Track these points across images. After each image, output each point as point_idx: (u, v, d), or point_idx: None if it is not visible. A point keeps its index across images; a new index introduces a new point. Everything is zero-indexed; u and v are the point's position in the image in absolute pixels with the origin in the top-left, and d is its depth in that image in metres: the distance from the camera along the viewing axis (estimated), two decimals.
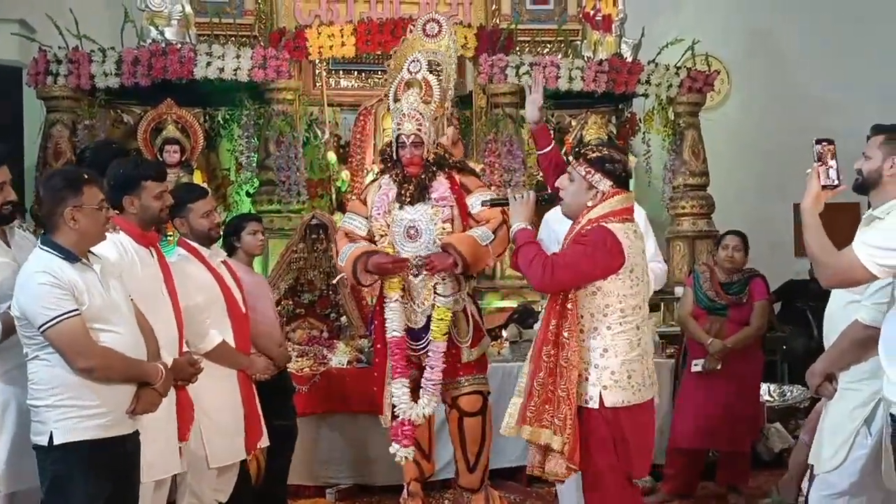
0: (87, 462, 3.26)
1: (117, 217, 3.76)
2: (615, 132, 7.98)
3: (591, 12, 7.85)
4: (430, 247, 4.57)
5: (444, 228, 4.58)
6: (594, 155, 3.66)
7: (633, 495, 3.77)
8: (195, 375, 3.86)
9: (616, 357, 3.55)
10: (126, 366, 3.33)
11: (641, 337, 3.65)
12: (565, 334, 3.54)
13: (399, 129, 4.65)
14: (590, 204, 3.62)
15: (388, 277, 4.59)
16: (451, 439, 4.84)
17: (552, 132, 7.52)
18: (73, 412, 3.25)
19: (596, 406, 3.54)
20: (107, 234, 3.57)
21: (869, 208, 3.38)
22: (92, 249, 3.42)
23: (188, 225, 4.25)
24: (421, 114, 4.61)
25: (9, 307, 3.46)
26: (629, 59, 7.76)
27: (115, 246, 3.68)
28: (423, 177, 4.61)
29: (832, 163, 3.10)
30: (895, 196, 3.28)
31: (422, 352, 4.59)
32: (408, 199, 4.60)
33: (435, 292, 4.57)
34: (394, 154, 4.69)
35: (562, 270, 3.53)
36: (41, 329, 3.19)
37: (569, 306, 3.56)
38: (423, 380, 4.57)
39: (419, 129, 4.59)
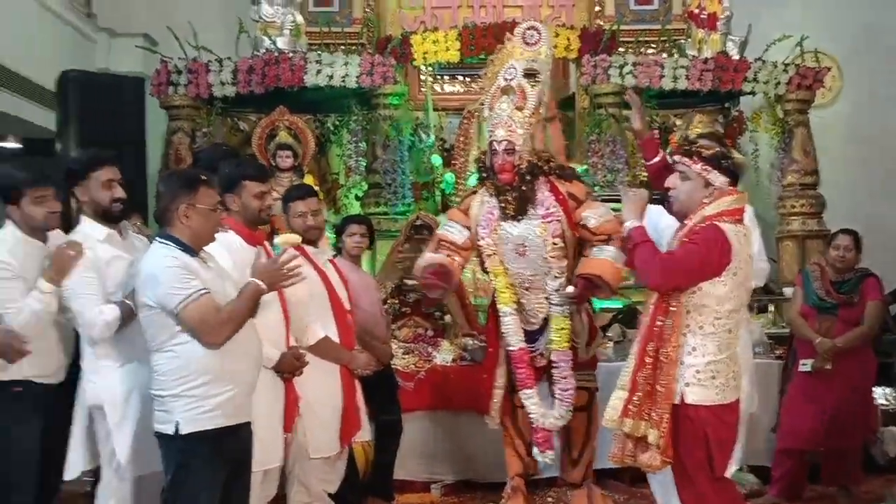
0: (210, 450, 3.34)
1: (226, 217, 3.84)
2: (722, 131, 7.75)
3: (696, 11, 7.67)
4: (540, 263, 4.49)
5: (554, 244, 4.47)
6: (709, 152, 3.61)
7: (726, 489, 3.70)
8: (300, 368, 3.90)
9: (703, 357, 3.52)
10: (238, 304, 3.36)
11: (732, 341, 3.60)
12: (668, 331, 3.51)
13: (491, 136, 4.59)
14: (705, 201, 3.57)
15: (499, 290, 4.54)
16: (556, 434, 4.76)
17: (657, 134, 7.44)
18: (197, 402, 3.33)
19: (678, 402, 3.50)
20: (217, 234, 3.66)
21: None
22: (205, 250, 3.50)
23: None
24: (513, 120, 4.52)
25: (123, 297, 3.59)
26: (735, 57, 7.55)
27: (226, 245, 3.75)
28: (522, 188, 4.50)
29: None
30: None
31: (537, 353, 4.54)
32: (512, 214, 4.50)
33: (549, 302, 4.50)
34: (489, 162, 4.63)
35: (678, 270, 3.51)
36: (177, 309, 3.25)
37: (673, 303, 3.52)
38: (556, 390, 4.53)
39: (510, 136, 4.50)
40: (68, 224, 4.19)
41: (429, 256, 4.63)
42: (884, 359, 6.73)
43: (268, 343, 3.79)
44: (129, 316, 3.65)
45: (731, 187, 3.60)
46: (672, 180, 3.66)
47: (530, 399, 4.51)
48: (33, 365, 3.89)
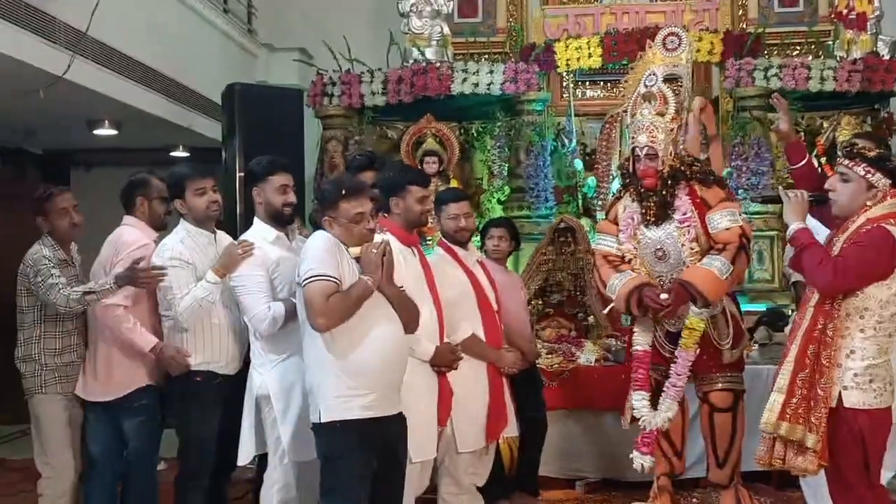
0: (352, 440, 3.40)
1: (384, 219, 3.95)
2: (870, 132, 7.41)
3: (845, 11, 7.37)
4: (680, 266, 4.41)
5: (691, 248, 4.39)
6: (873, 154, 3.57)
7: (882, 496, 3.57)
8: (455, 362, 3.96)
9: (862, 360, 3.44)
10: (343, 299, 3.40)
11: (892, 345, 3.49)
12: (829, 333, 3.44)
13: (634, 142, 4.53)
14: (869, 204, 3.50)
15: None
16: (702, 434, 4.69)
17: (803, 137, 7.19)
18: (336, 392, 3.41)
19: (835, 405, 3.42)
20: (376, 234, 3.77)
21: None
22: None
23: (403, 206, 4.16)
24: (655, 126, 4.43)
25: (291, 295, 3.73)
26: (886, 57, 7.23)
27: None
28: (663, 193, 4.42)
29: None
30: None
31: (672, 355, 4.48)
32: (652, 220, 4.44)
33: (689, 306, 4.41)
34: (631, 168, 4.58)
35: (850, 273, 3.43)
36: (302, 281, 3.40)
37: (836, 306, 3.45)
38: (666, 384, 4.46)
39: (653, 142, 4.41)
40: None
41: (622, 280, 4.49)
42: None
43: (424, 338, 3.87)
44: (292, 313, 3.77)
45: (895, 189, 3.50)
46: (832, 182, 3.57)
47: (641, 401, 4.45)
48: (211, 357, 4.10)
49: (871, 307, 3.42)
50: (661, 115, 4.46)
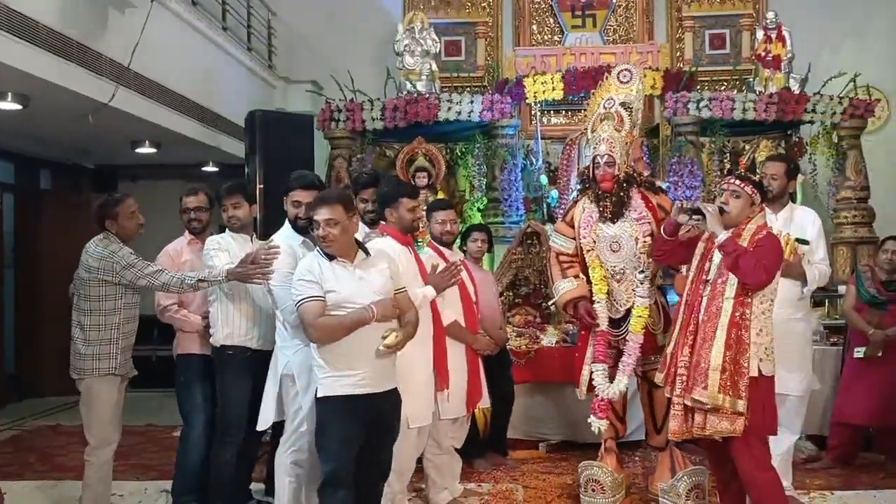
0: (339, 413, 3.36)
1: (383, 225, 3.99)
2: (784, 154, 7.49)
3: (763, 54, 7.44)
4: (631, 258, 4.41)
5: (646, 242, 4.37)
6: (755, 177, 3.83)
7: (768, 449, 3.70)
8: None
9: (767, 336, 3.57)
10: (339, 323, 3.33)
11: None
12: (747, 318, 3.55)
13: (595, 151, 4.54)
14: (751, 216, 3.68)
15: (595, 282, 4.47)
16: (641, 406, 4.72)
17: (728, 158, 7.25)
18: (329, 372, 3.38)
19: (755, 374, 3.52)
20: (374, 237, 3.78)
21: None
22: (370, 250, 3.57)
23: (397, 215, 4.16)
24: (613, 139, 4.46)
25: None
26: (797, 92, 7.29)
27: (387, 245, 3.89)
28: (620, 194, 4.42)
29: None
30: None
31: (620, 337, 4.49)
32: (609, 216, 4.43)
33: (635, 294, 4.45)
34: (591, 174, 4.58)
35: (771, 270, 3.56)
36: (296, 305, 3.38)
37: (748, 295, 3.56)
38: (620, 363, 4.45)
39: (611, 150, 4.43)
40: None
41: (566, 288, 4.53)
42: None
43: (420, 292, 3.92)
44: None
45: (762, 205, 3.75)
46: (727, 198, 3.69)
47: (600, 372, 4.43)
48: (241, 335, 4.12)
49: (767, 294, 3.58)
50: (618, 131, 4.50)
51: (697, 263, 3.77)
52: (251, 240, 4.28)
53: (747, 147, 7.57)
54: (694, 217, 3.77)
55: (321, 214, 3.39)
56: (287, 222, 4.05)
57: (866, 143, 7.56)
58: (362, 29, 8.93)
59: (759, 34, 7.56)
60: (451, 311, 4.27)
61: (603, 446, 4.73)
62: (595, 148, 4.51)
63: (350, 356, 3.37)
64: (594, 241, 4.47)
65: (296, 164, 6.86)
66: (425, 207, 4.74)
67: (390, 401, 3.52)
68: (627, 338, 4.43)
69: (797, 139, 7.64)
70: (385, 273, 3.53)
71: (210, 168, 9.00)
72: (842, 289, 6.15)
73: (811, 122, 7.39)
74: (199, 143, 7.67)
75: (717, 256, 3.66)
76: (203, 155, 8.48)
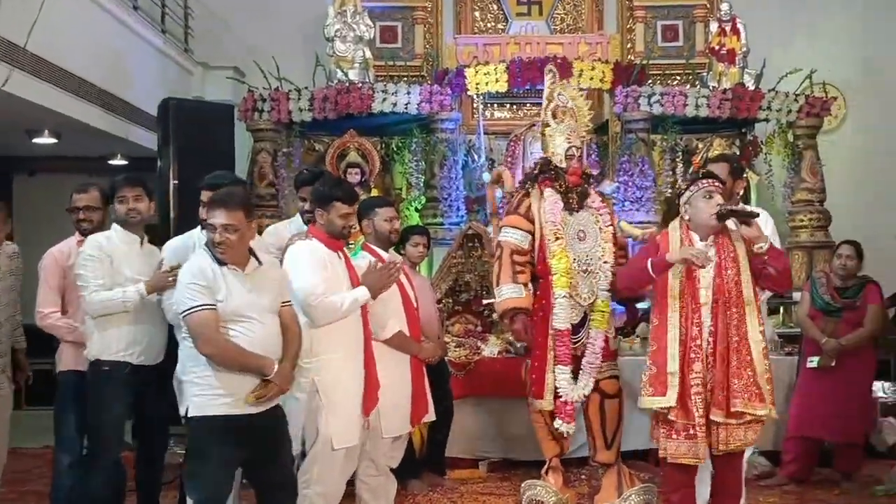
0: (215, 434, 3.30)
1: (312, 227, 3.94)
2: (738, 153, 7.70)
3: (717, 47, 7.65)
4: (596, 246, 4.59)
5: (609, 231, 4.63)
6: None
7: None
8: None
9: None
10: (239, 358, 3.31)
11: None
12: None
13: (570, 142, 4.66)
14: None
15: (559, 275, 4.51)
16: (589, 420, 4.70)
17: (681, 157, 7.44)
18: (204, 390, 3.31)
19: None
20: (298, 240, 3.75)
21: None
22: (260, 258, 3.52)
23: (373, 227, 4.32)
24: (579, 134, 4.73)
25: None
26: (751, 88, 7.51)
27: (310, 248, 3.85)
28: (584, 186, 4.67)
29: None
30: None
31: (578, 343, 4.56)
32: (575, 208, 4.61)
33: (599, 288, 4.56)
34: (564, 165, 4.65)
35: None
36: (182, 315, 3.31)
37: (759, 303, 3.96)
38: (583, 363, 4.52)
39: (580, 146, 4.70)
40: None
41: (509, 295, 4.59)
42: (884, 357, 6.66)
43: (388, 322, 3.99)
44: None
45: None
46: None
47: (564, 374, 4.48)
48: (120, 348, 3.98)
49: None
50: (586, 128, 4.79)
51: (682, 285, 3.85)
52: (141, 242, 4.14)
53: (700, 145, 7.75)
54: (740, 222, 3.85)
55: (218, 218, 3.33)
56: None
57: (822, 142, 7.81)
58: (289, 11, 8.83)
59: (713, 26, 7.76)
60: (395, 321, 4.23)
61: (547, 464, 4.78)
62: (569, 139, 4.67)
63: (231, 374, 3.32)
64: (561, 230, 4.57)
65: (214, 158, 6.79)
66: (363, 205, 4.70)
67: (273, 419, 3.47)
68: (590, 335, 4.54)
69: (752, 138, 7.86)
70: (276, 285, 3.52)
71: (118, 161, 8.80)
72: (797, 295, 6.34)
73: (766, 121, 7.62)
74: (105, 134, 7.48)
75: (705, 275, 3.80)
76: (110, 147, 8.28)
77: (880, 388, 6.27)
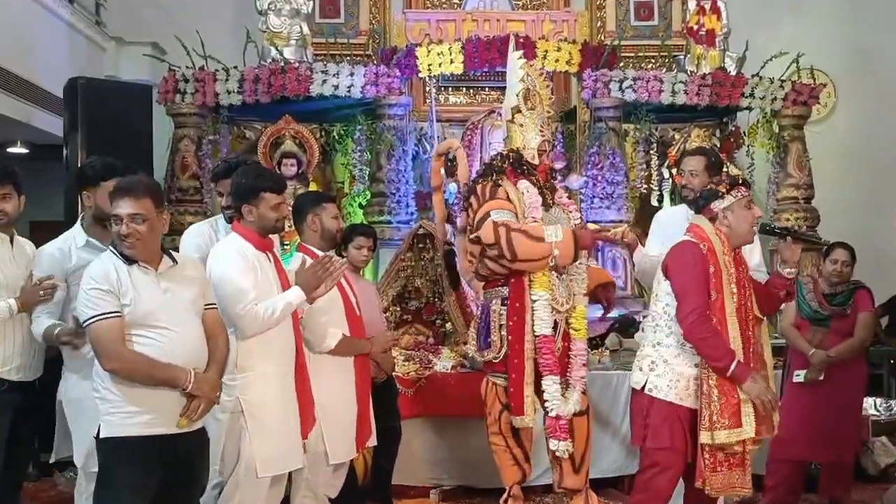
0: (129, 457, 3.28)
1: (237, 224, 3.88)
2: (719, 145, 7.80)
3: (695, 27, 7.72)
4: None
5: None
6: None
7: None
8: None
9: None
10: (150, 371, 3.27)
11: None
12: None
13: (543, 136, 4.71)
14: None
15: (538, 276, 4.53)
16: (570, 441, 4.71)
17: (656, 149, 7.52)
18: (118, 408, 3.29)
19: None
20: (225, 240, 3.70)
21: None
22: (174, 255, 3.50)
23: (320, 224, 4.29)
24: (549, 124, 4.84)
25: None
26: (733, 73, 7.61)
27: (237, 249, 3.80)
28: (551, 182, 4.76)
29: None
30: None
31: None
32: (550, 203, 4.70)
33: (574, 293, 4.59)
34: (536, 160, 4.70)
35: None
36: (84, 325, 3.29)
37: None
38: (572, 377, 4.57)
39: (550, 139, 4.81)
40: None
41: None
42: (875, 370, 6.80)
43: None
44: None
45: None
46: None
47: (553, 385, 4.49)
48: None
49: None
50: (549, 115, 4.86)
51: (735, 294, 3.92)
52: (11, 242, 4.06)
53: (677, 136, 7.81)
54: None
55: (124, 208, 3.30)
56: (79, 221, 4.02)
57: (811, 134, 7.96)
58: None
59: (692, 4, 7.84)
60: (336, 328, 4.22)
61: (507, 493, 4.78)
62: (542, 132, 4.74)
63: (147, 389, 3.29)
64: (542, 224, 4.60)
65: (130, 146, 6.72)
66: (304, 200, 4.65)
67: (195, 443, 3.46)
68: (571, 347, 4.59)
69: (733, 128, 7.97)
70: (197, 285, 3.49)
71: (17, 149, 8.69)
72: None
73: (749, 109, 7.73)
74: (2, 118, 7.36)
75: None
76: (9, 133, 8.18)
77: (871, 405, 6.38)
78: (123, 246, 3.32)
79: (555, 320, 4.57)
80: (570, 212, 4.73)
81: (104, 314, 3.23)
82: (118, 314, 3.25)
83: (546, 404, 4.51)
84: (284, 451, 3.84)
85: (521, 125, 4.73)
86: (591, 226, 4.87)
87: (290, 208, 4.43)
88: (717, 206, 3.98)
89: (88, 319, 3.25)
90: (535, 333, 4.52)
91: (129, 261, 3.32)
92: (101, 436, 3.29)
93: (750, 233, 4.01)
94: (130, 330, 3.27)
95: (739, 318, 3.91)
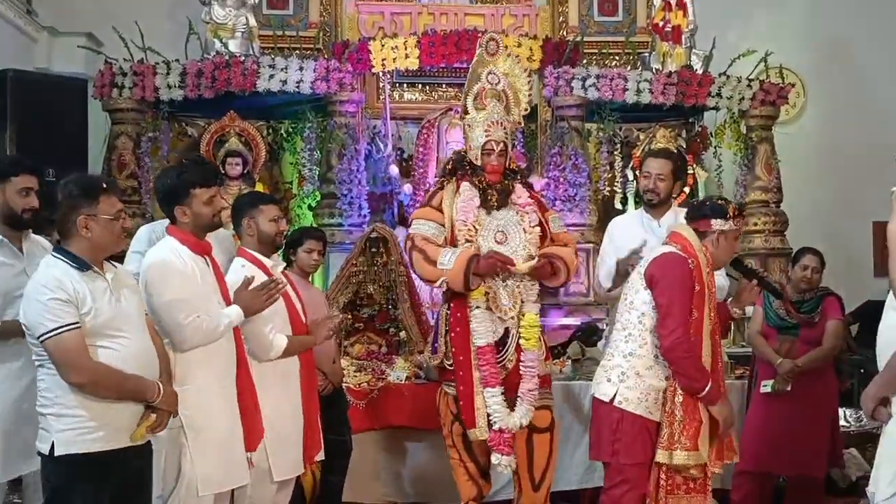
0: (86, 475, 3.30)
1: (172, 227, 3.86)
2: (685, 146, 7.88)
3: (661, 23, 7.80)
4: (520, 250, 4.62)
5: (535, 232, 4.66)
6: None
7: None
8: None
9: None
10: (119, 383, 3.31)
11: None
12: None
13: (489, 135, 4.69)
14: None
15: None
16: (516, 456, 4.75)
17: (620, 150, 7.60)
18: (74, 423, 3.29)
19: None
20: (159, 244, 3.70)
21: None
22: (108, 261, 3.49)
23: (256, 228, 4.27)
24: (507, 123, 4.74)
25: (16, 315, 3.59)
26: (699, 71, 7.69)
27: (174, 254, 3.77)
28: (505, 182, 4.71)
29: None
30: None
31: (502, 362, 4.59)
32: (494, 205, 4.66)
33: (522, 300, 4.59)
34: (479, 161, 4.72)
35: None
36: (40, 339, 3.25)
37: None
38: (521, 390, 4.57)
39: (506, 138, 4.70)
40: None
41: (458, 251, 4.57)
42: (847, 380, 6.91)
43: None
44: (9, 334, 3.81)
45: None
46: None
47: (494, 398, 4.52)
48: None
49: None
50: (509, 113, 4.78)
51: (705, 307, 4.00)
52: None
53: (642, 136, 7.87)
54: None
55: (118, 206, 3.41)
56: None
57: (779, 135, 8.08)
58: None
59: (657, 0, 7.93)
60: (280, 335, 4.22)
61: None
62: (488, 131, 4.69)
63: (105, 403, 3.30)
64: (475, 231, 4.61)
65: (63, 142, 6.70)
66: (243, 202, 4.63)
67: (143, 456, 3.50)
68: (522, 358, 4.58)
69: (700, 128, 8.06)
70: (136, 292, 3.53)
71: None
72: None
73: (716, 109, 7.83)
74: None
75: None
76: None
77: (842, 416, 6.48)
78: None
79: (507, 328, 4.61)
80: (526, 213, 4.68)
81: (67, 325, 3.21)
82: (78, 325, 3.23)
83: (491, 417, 4.53)
84: (227, 468, 3.82)
85: (469, 126, 4.79)
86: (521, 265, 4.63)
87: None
88: (717, 224, 4.06)
89: (48, 332, 3.21)
90: (474, 345, 4.57)
91: (82, 267, 3.30)
92: (57, 453, 3.27)
93: (726, 263, 4.21)
94: (90, 340, 3.26)
95: (714, 338, 4.01)
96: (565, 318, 7.16)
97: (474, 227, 4.62)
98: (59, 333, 3.21)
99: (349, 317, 6.33)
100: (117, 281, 3.43)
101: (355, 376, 5.79)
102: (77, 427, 3.28)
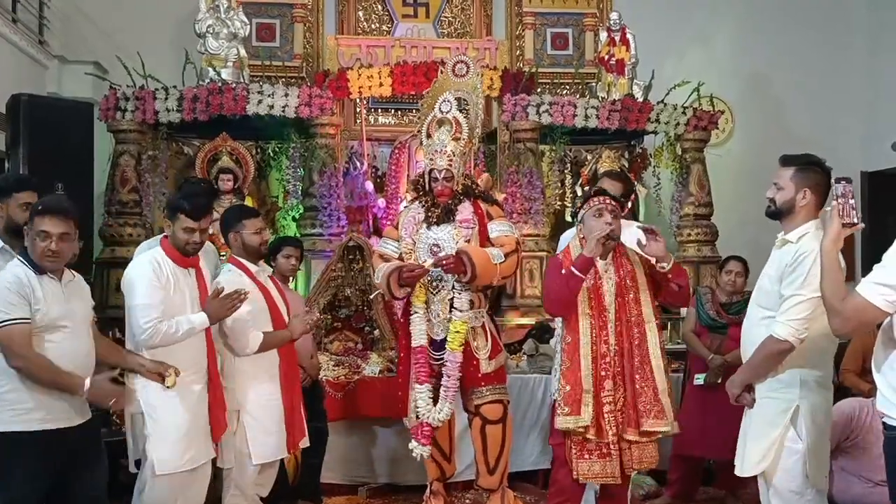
0: (23, 452, 3.33)
1: (164, 239, 3.89)
2: (627, 166, 7.95)
3: (606, 57, 7.86)
4: None
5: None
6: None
7: None
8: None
9: None
10: (52, 376, 3.37)
11: None
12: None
13: (432, 164, 4.68)
14: None
15: (417, 290, 4.59)
16: (473, 444, 4.79)
17: (569, 168, 7.62)
18: (12, 405, 3.34)
19: None
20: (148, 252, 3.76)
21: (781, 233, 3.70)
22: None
23: (241, 240, 4.30)
24: (452, 151, 4.67)
25: None
26: (640, 100, 7.74)
27: (152, 264, 3.81)
28: (450, 202, 4.67)
29: (852, 201, 2.91)
30: (804, 222, 3.49)
31: (440, 362, 4.57)
32: (434, 221, 4.64)
33: (452, 307, 4.56)
34: (426, 185, 4.72)
35: None
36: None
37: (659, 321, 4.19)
38: (441, 387, 4.56)
39: (450, 165, 4.66)
40: None
41: (386, 266, 4.63)
42: None
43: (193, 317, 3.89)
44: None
45: None
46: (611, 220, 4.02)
47: (422, 394, 4.53)
48: None
49: None
50: (457, 140, 4.70)
51: (590, 302, 3.96)
52: None
53: (589, 157, 7.94)
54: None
55: (57, 227, 3.41)
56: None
57: (710, 156, 8.14)
58: (157, 3, 8.61)
59: (603, 36, 7.98)
60: (255, 332, 4.19)
61: (428, 489, 4.79)
62: (432, 160, 4.68)
63: (43, 389, 3.38)
64: (413, 244, 4.63)
65: (71, 161, 6.58)
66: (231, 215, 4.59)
67: (86, 432, 3.54)
68: (445, 357, 4.55)
69: (640, 150, 8.12)
70: (87, 301, 3.64)
71: None
72: (683, 311, 6.56)
73: (655, 133, 7.88)
74: None
75: (609, 287, 3.96)
76: None
77: None
78: (47, 261, 3.41)
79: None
80: (463, 229, 4.61)
81: (17, 319, 3.31)
82: (28, 321, 3.33)
83: (417, 410, 4.55)
84: (186, 451, 3.82)
85: (418, 148, 4.85)
86: (427, 263, 4.59)
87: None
88: (577, 217, 4.19)
89: (1, 322, 3.30)
90: (411, 344, 4.60)
91: (39, 271, 3.41)
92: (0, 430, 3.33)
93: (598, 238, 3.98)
94: (39, 332, 3.36)
95: (595, 314, 3.99)
96: (521, 318, 7.17)
97: (413, 240, 4.65)
98: (10, 325, 3.30)
99: (329, 317, 6.30)
100: (71, 287, 3.54)
101: (334, 370, 5.77)
102: (14, 408, 3.33)
